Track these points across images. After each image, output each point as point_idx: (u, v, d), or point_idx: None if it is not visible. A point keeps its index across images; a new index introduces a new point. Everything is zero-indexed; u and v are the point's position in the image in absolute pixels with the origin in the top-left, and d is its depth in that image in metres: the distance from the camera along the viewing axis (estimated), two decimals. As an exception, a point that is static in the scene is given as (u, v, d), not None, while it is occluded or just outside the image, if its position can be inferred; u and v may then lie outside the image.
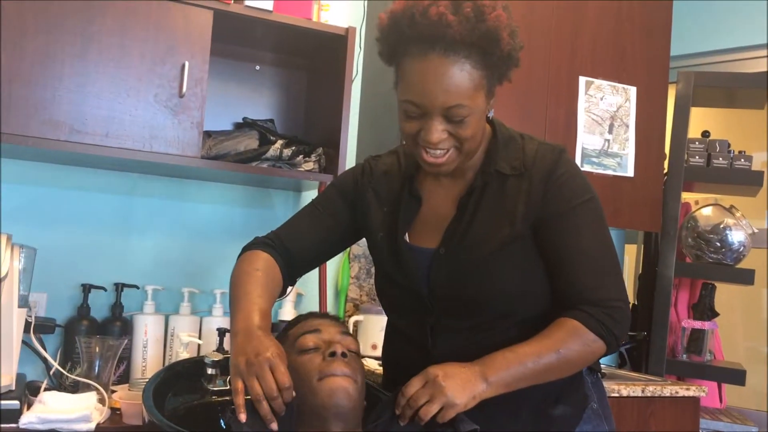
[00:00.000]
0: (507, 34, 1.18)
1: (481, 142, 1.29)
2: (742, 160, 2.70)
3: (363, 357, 2.35)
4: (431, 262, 1.30)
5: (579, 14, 2.49)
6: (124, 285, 2.12)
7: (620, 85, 2.55)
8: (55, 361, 1.97)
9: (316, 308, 2.36)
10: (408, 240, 1.34)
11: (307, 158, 2.15)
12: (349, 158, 2.42)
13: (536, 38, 2.40)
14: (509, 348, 1.21)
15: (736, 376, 2.65)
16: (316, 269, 2.32)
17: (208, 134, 2.11)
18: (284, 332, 1.33)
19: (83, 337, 1.87)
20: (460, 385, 1.14)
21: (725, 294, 2.97)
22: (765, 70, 2.94)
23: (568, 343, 1.21)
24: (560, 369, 1.23)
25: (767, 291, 3.45)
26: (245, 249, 1.41)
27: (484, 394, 1.16)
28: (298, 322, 1.33)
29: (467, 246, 1.27)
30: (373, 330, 2.32)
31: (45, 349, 1.97)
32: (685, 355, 2.74)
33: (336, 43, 2.16)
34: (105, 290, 2.11)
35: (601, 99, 2.51)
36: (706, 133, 2.84)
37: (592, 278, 1.25)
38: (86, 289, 2.07)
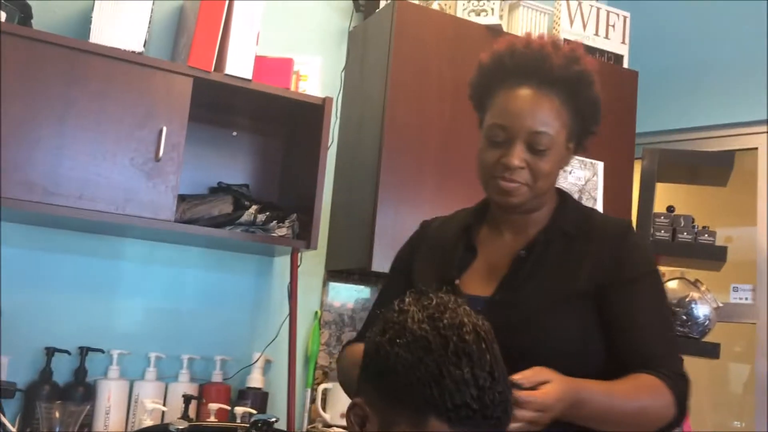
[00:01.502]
0: (596, 81, 1.27)
1: (553, 184, 1.29)
2: (706, 235, 2.76)
3: (331, 427, 2.32)
4: (485, 308, 1.20)
5: (549, 91, 2.58)
6: (89, 349, 2.08)
7: (588, 160, 2.62)
8: (14, 426, 1.91)
9: (284, 376, 2.32)
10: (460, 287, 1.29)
11: (280, 224, 2.17)
12: (323, 225, 2.44)
13: (507, 113, 2.48)
14: (604, 383, 1.15)
15: (704, 451, 2.64)
16: (286, 335, 2.32)
17: (182, 198, 2.12)
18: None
19: (44, 403, 1.82)
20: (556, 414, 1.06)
21: (691, 367, 2.99)
22: (727, 148, 3.05)
23: (648, 397, 1.16)
24: (634, 422, 1.16)
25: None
26: (343, 348, 1.37)
27: (563, 416, 1.08)
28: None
29: (525, 296, 1.23)
30: (344, 398, 2.29)
31: (4, 414, 1.91)
32: (653, 429, 2.73)
33: (313, 111, 2.21)
34: (69, 354, 2.07)
35: (570, 173, 2.57)
36: (671, 208, 2.91)
37: (664, 347, 1.23)
38: (50, 352, 2.02)
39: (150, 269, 2.26)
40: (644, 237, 1.32)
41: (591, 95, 1.27)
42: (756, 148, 3.15)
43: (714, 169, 2.88)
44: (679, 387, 1.19)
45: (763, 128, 3.13)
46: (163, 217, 1.94)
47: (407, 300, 0.95)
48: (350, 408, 0.95)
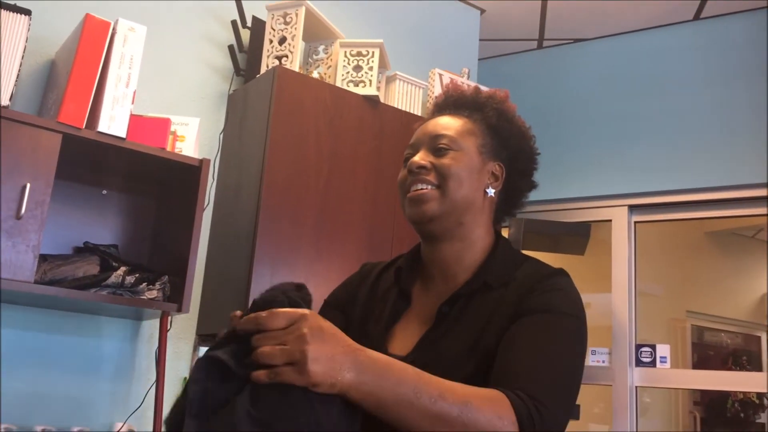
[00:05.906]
0: (502, 101, 1.33)
1: (466, 194, 1.24)
2: (567, 300, 2.94)
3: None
4: None
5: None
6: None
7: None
8: None
9: (148, 446, 2.21)
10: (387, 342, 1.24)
11: (150, 286, 2.10)
12: (196, 287, 2.39)
13: (381, 186, 2.56)
14: (415, 368, 0.97)
15: None
16: (152, 403, 2.22)
17: (44, 258, 2.01)
18: None
19: None
20: (327, 356, 0.88)
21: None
22: (584, 220, 3.28)
23: (482, 408, 0.95)
24: (451, 426, 0.93)
25: None
26: None
27: (347, 386, 0.89)
28: None
29: (435, 358, 1.15)
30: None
31: None
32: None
33: (189, 173, 2.18)
34: None
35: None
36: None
37: (531, 370, 1.05)
38: None
39: (6, 333, 2.12)
40: (574, 287, 1.21)
41: (501, 108, 1.31)
42: (610, 220, 3.41)
43: (573, 238, 3.09)
44: (530, 410, 0.97)
45: (617, 202, 3.41)
46: (22, 278, 1.83)
47: None
48: None
